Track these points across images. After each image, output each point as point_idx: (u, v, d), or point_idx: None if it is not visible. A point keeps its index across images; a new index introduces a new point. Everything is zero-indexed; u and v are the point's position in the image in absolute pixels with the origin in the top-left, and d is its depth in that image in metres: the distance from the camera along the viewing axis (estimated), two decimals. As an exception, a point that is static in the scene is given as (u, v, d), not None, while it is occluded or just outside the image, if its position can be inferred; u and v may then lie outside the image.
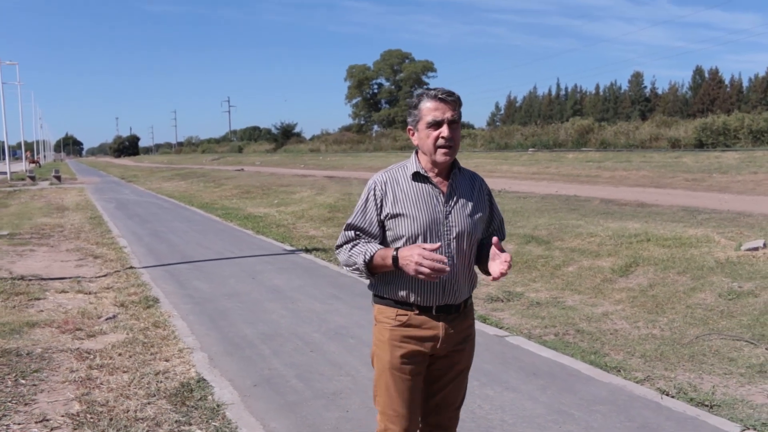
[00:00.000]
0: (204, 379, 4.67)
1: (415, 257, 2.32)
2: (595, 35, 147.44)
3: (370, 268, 2.50)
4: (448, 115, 2.46)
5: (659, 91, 74.80)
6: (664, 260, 7.74)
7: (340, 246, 2.61)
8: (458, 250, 2.53)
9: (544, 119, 62.62)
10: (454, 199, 2.55)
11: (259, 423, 3.96)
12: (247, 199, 21.14)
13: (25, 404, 4.27)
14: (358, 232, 2.58)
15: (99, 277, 8.52)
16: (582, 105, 76.91)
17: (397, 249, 2.42)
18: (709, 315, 6.12)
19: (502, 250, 2.46)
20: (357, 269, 2.53)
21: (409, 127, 2.59)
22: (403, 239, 2.50)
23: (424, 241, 2.48)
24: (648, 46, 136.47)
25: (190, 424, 3.93)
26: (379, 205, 2.54)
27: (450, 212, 2.53)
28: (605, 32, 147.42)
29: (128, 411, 4.11)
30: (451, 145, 2.48)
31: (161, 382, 4.62)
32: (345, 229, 2.61)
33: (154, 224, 14.70)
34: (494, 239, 2.47)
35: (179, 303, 7.02)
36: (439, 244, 2.41)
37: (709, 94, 65.35)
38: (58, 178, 35.52)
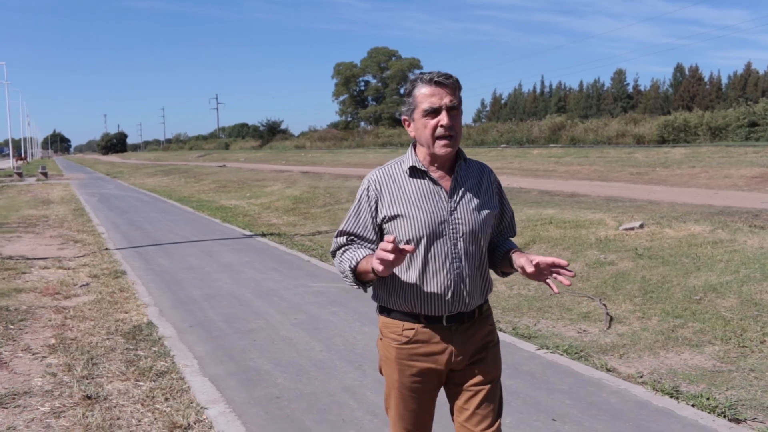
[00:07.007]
0: (152, 323, 6.05)
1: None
2: (582, 32, 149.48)
3: (357, 276, 2.24)
4: (446, 100, 2.17)
5: (642, 88, 76.43)
6: (556, 238, 9.17)
7: (333, 253, 2.39)
8: (466, 250, 2.25)
9: (529, 116, 64.13)
10: (459, 194, 2.27)
11: (188, 348, 5.36)
12: (222, 192, 22.50)
13: (14, 340, 5.62)
14: (351, 238, 2.33)
15: (78, 257, 9.87)
16: (566, 102, 78.38)
17: None
18: (571, 279, 7.52)
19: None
20: (347, 277, 2.27)
21: (404, 117, 2.29)
22: (404, 243, 2.21)
23: (429, 244, 2.23)
24: (634, 42, 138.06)
25: (137, 350, 5.31)
26: (373, 207, 2.28)
27: (455, 209, 2.25)
28: (592, 29, 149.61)
29: (92, 342, 5.48)
30: (452, 134, 2.19)
31: (119, 326, 6.00)
32: (336, 236, 2.37)
33: (132, 215, 16.05)
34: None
35: (143, 274, 8.40)
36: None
37: (689, 91, 66.63)
38: (45, 174, 36.68)
